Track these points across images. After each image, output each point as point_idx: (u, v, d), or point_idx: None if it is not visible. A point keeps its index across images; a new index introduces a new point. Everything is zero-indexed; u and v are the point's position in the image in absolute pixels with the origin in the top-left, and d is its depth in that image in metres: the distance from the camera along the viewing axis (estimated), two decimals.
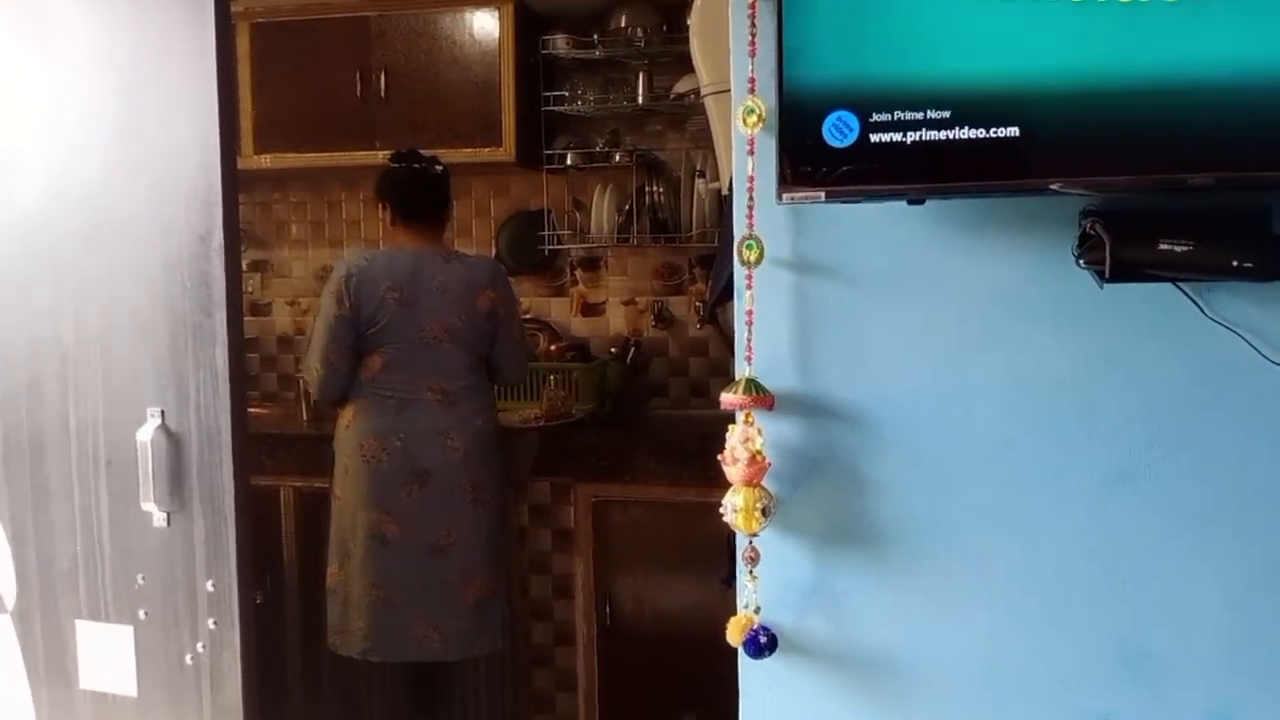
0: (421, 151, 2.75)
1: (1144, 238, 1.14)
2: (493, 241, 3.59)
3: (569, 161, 3.38)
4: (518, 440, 2.93)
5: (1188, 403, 1.24)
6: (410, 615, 2.58)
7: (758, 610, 1.34)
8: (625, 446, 2.91)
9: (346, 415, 2.64)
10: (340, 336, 2.58)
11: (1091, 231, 1.16)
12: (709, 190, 3.14)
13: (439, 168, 2.73)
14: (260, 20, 3.33)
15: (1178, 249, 1.11)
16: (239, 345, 1.70)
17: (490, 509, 2.66)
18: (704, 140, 3.16)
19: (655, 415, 3.41)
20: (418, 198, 2.69)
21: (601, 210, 3.33)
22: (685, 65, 2.86)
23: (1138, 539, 1.27)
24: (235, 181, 1.70)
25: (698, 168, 3.23)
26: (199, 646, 1.75)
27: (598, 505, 2.89)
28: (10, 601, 1.90)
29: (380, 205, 2.74)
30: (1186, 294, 1.21)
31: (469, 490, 2.61)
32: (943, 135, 1.13)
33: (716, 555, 2.07)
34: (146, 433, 1.72)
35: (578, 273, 3.55)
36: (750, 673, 1.39)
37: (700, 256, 3.37)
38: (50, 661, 1.88)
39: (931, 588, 1.33)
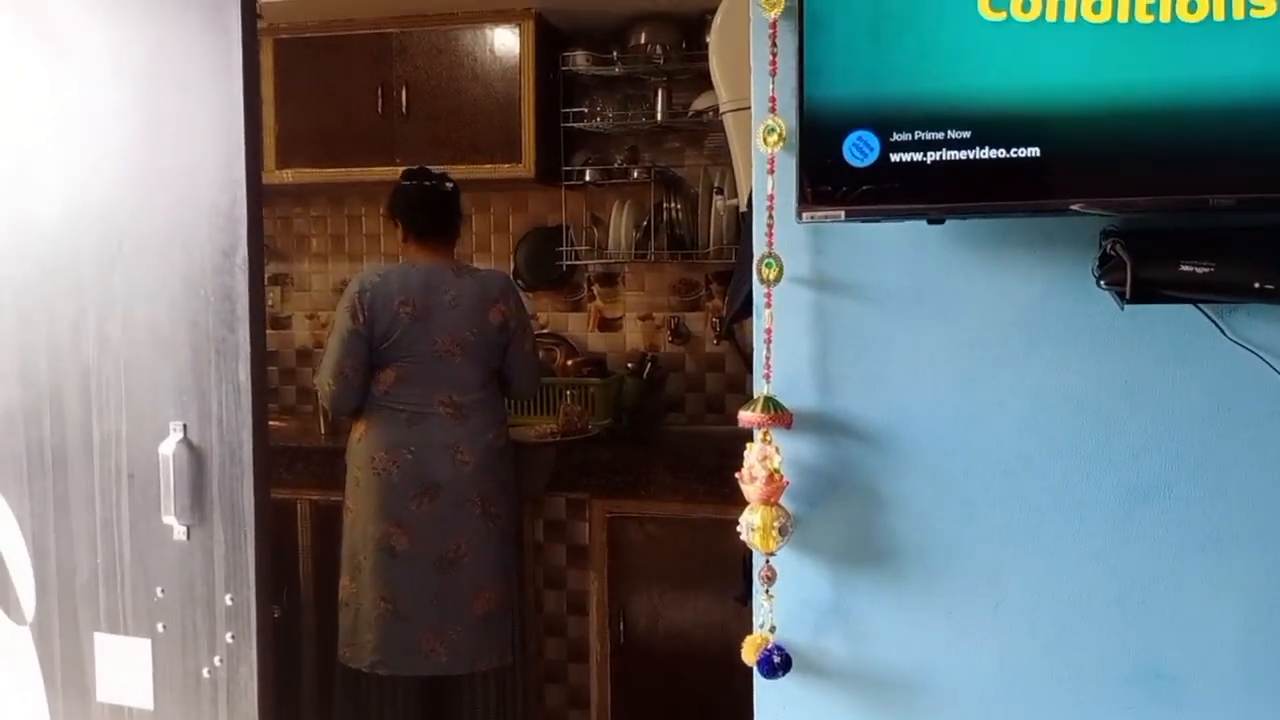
0: (432, 168, 2.79)
1: (1165, 259, 1.13)
2: (511, 257, 3.60)
3: (588, 178, 3.40)
4: (533, 455, 2.94)
5: (1208, 424, 1.24)
6: (418, 628, 2.59)
7: (773, 629, 1.34)
8: (641, 462, 2.91)
9: (359, 428, 2.66)
10: (354, 351, 2.61)
11: (1112, 252, 1.16)
12: (727, 207, 3.15)
13: (449, 185, 2.77)
14: (283, 36, 3.36)
15: (1199, 270, 1.11)
16: (262, 360, 1.71)
17: (500, 522, 2.68)
18: (722, 157, 3.17)
19: (671, 431, 3.41)
20: (428, 214, 2.73)
21: (619, 226, 3.34)
22: (704, 82, 2.87)
23: (1157, 559, 1.26)
24: (260, 197, 1.71)
25: (715, 185, 3.24)
26: (216, 660, 1.75)
27: (613, 521, 2.88)
28: (30, 613, 1.91)
29: (393, 222, 2.79)
30: (1207, 315, 1.20)
31: (478, 503, 2.63)
32: (963, 155, 1.13)
33: (732, 573, 2.06)
34: (168, 446, 1.73)
35: (595, 288, 3.56)
36: (765, 693, 1.38)
37: (717, 273, 3.37)
38: (68, 674, 1.88)
39: (949, 607, 1.33)
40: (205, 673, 1.77)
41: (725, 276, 3.24)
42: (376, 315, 2.60)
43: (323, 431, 3.32)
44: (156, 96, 1.74)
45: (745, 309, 1.45)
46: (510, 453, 2.77)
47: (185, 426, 1.73)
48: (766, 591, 1.34)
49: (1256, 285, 1.11)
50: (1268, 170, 1.06)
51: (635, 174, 3.38)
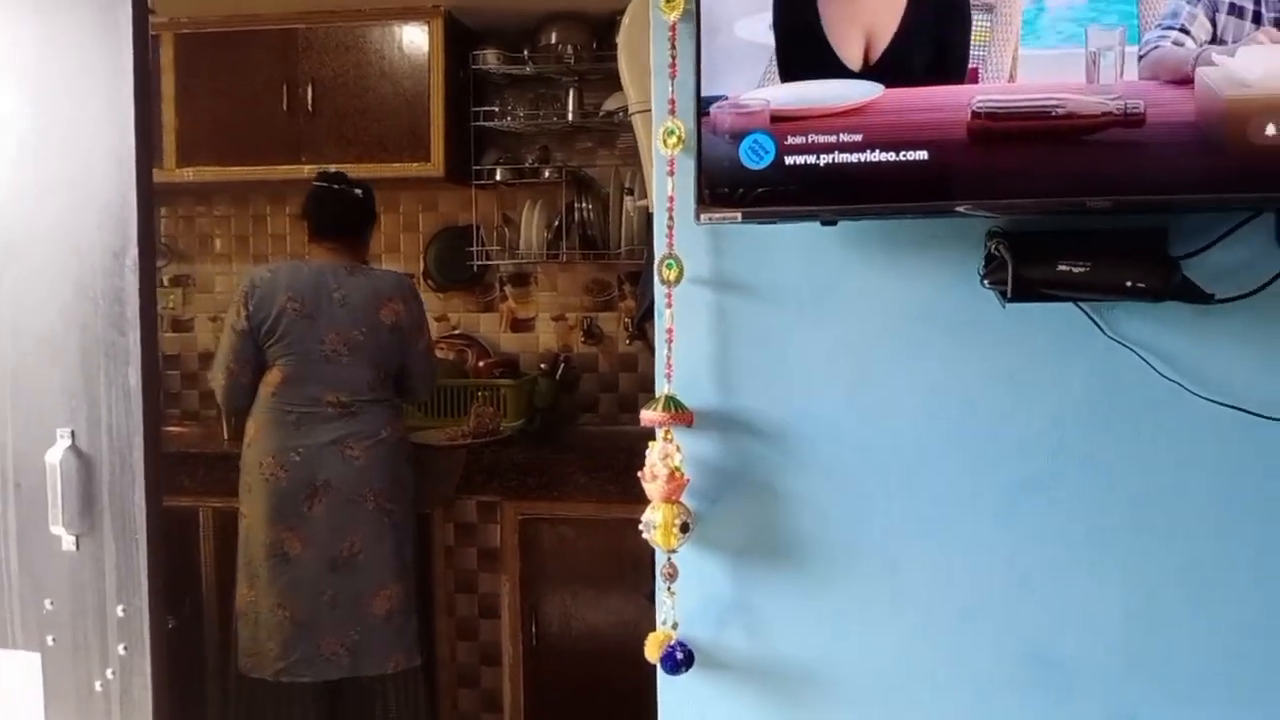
0: (348, 175, 2.80)
1: (1045, 258, 1.17)
2: (420, 256, 3.57)
3: (498, 177, 3.38)
4: (444, 458, 2.91)
5: (1090, 416, 1.29)
6: (318, 632, 2.57)
7: (675, 626, 1.35)
8: (554, 463, 2.91)
9: (249, 432, 2.64)
10: (240, 348, 2.61)
11: (996, 252, 1.20)
12: (637, 207, 3.17)
13: (357, 190, 2.77)
14: (186, 31, 3.28)
15: (1075, 270, 1.15)
16: (153, 364, 1.67)
17: (395, 518, 2.65)
18: (633, 158, 3.17)
19: (585, 431, 3.41)
20: (328, 212, 2.73)
21: (531, 226, 3.33)
22: (615, 83, 2.86)
23: (1045, 548, 1.31)
24: (151, 197, 1.67)
25: (626, 185, 3.25)
26: (109, 673, 1.70)
27: (525, 523, 2.88)
28: None
29: (303, 224, 2.80)
30: (1086, 313, 1.25)
31: (371, 499, 2.61)
32: (855, 158, 1.15)
33: (643, 572, 2.07)
34: (56, 454, 1.67)
35: (507, 288, 3.55)
36: (668, 689, 1.39)
37: (630, 273, 3.39)
38: None
39: (848, 599, 1.35)
40: (98, 686, 1.71)
41: (637, 276, 3.26)
42: (263, 311, 2.59)
43: (225, 437, 3.24)
44: (46, 94, 1.68)
45: (654, 309, 1.46)
46: (407, 450, 2.75)
47: (73, 433, 1.68)
48: (669, 588, 1.35)
49: (1129, 284, 1.16)
50: (1143, 173, 1.11)
51: (546, 174, 3.38)
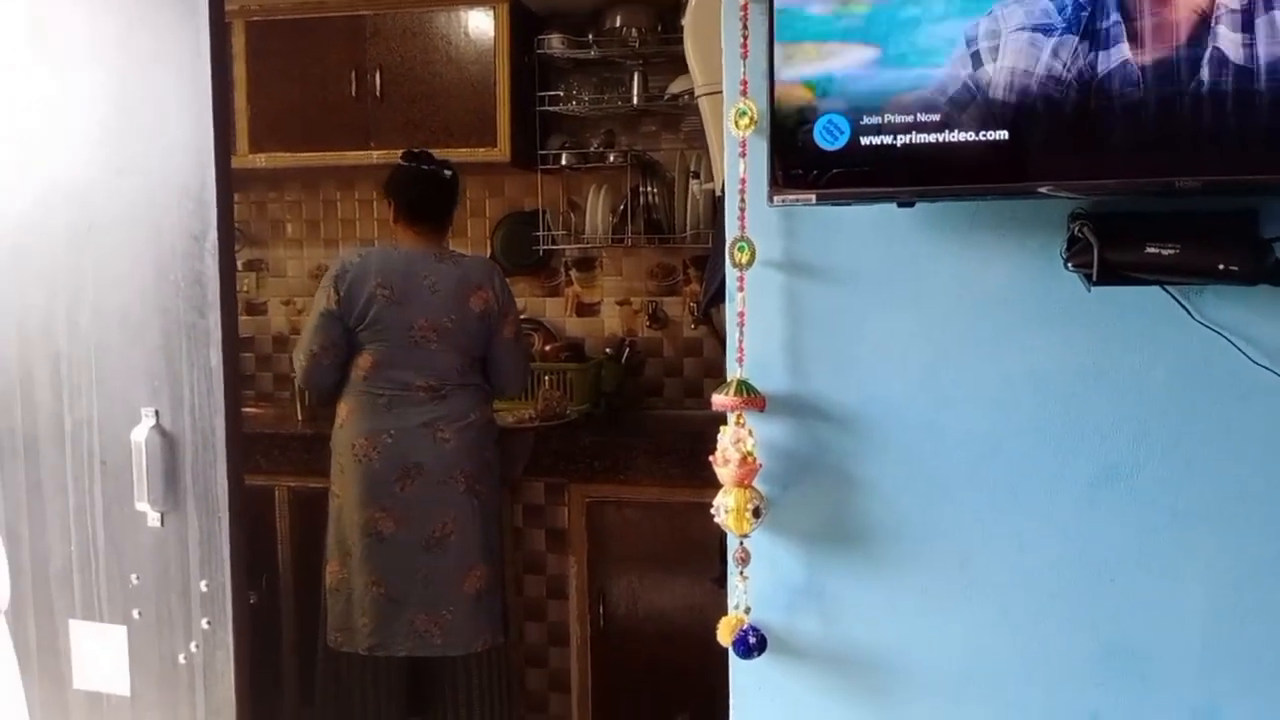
0: (434, 154, 2.79)
1: (1131, 240, 1.14)
2: (487, 241, 3.59)
3: (564, 162, 3.39)
4: (512, 440, 2.94)
5: (1175, 404, 1.25)
6: (411, 610, 2.60)
7: (748, 611, 1.35)
8: (620, 447, 2.91)
9: (341, 414, 2.67)
10: (328, 329, 2.62)
11: (1080, 234, 1.17)
12: (703, 191, 3.15)
13: (448, 172, 2.76)
14: (256, 18, 3.33)
15: (1164, 252, 1.12)
16: (233, 345, 1.71)
17: (485, 499, 2.68)
18: (698, 141, 3.16)
19: (650, 415, 3.41)
20: (420, 195, 2.71)
21: (596, 210, 3.33)
22: (680, 66, 2.86)
23: (1125, 538, 1.28)
24: (230, 181, 1.70)
25: (692, 168, 3.24)
26: (193, 646, 1.75)
27: (592, 506, 2.89)
28: (4, 601, 1.90)
29: (387, 201, 2.76)
30: (1174, 296, 1.22)
31: (462, 480, 2.63)
32: (932, 138, 1.13)
33: (710, 556, 2.08)
34: (141, 433, 1.72)
35: (572, 273, 3.56)
36: (740, 673, 1.39)
37: (695, 257, 3.38)
38: (44, 661, 1.88)
39: (921, 587, 1.34)
40: (181, 659, 1.76)
41: (702, 261, 3.25)
42: (353, 297, 2.60)
43: (299, 418, 3.31)
44: (126, 79, 1.72)
45: (721, 293, 1.46)
46: (494, 432, 2.77)
47: (157, 412, 1.72)
48: (741, 573, 1.35)
49: (1221, 266, 1.12)
50: (1233, 153, 1.07)
51: (611, 158, 3.38)
